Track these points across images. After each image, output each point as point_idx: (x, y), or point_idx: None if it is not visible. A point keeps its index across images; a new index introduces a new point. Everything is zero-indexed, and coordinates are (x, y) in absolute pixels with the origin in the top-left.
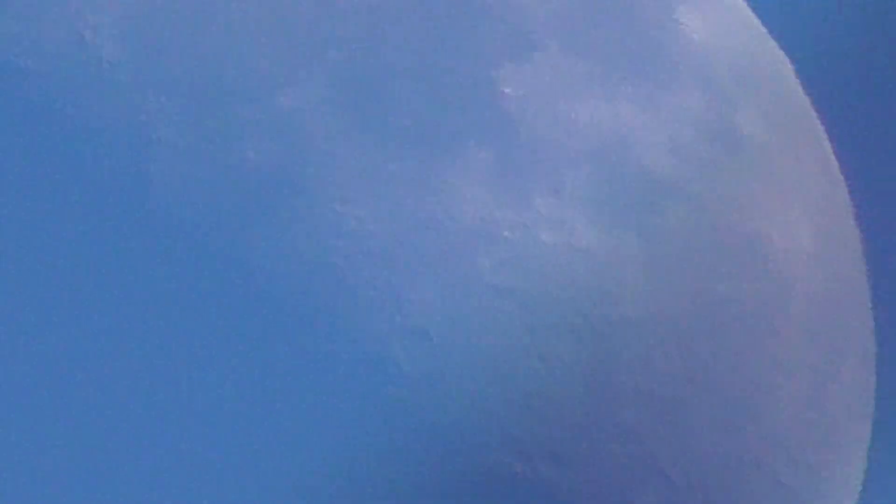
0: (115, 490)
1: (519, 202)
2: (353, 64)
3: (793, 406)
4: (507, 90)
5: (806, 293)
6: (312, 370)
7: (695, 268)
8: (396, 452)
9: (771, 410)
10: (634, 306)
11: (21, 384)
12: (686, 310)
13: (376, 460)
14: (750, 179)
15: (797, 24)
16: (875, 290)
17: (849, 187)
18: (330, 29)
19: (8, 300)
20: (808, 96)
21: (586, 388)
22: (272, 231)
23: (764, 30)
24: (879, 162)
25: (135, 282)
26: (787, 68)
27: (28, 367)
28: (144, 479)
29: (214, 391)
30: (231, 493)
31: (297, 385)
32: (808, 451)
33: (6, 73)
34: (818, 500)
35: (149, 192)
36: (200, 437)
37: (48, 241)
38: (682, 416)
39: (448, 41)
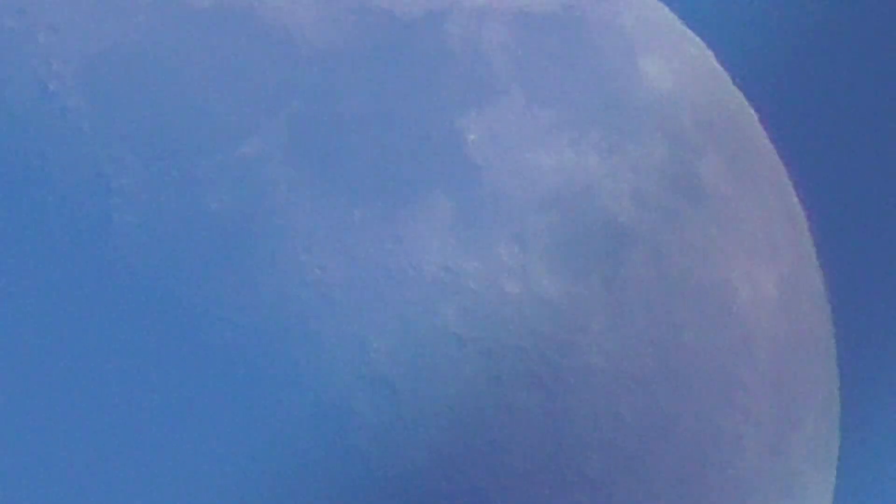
0: None
1: (482, 251)
2: (316, 112)
3: (756, 455)
4: (470, 137)
5: (770, 342)
6: (276, 420)
7: (659, 317)
8: (360, 503)
9: (735, 459)
10: (599, 356)
11: None
12: (650, 359)
13: None
14: (714, 228)
15: (762, 72)
16: (840, 339)
17: (813, 235)
18: (291, 77)
19: None
20: (773, 145)
21: (551, 439)
22: (235, 281)
23: (728, 78)
24: (844, 210)
25: (96, 335)
26: (752, 117)
27: None
28: None
29: (177, 440)
30: None
31: (261, 435)
32: (771, 500)
33: None
34: None
35: (110, 242)
36: (163, 484)
37: (7, 292)
38: (646, 465)
39: (411, 88)
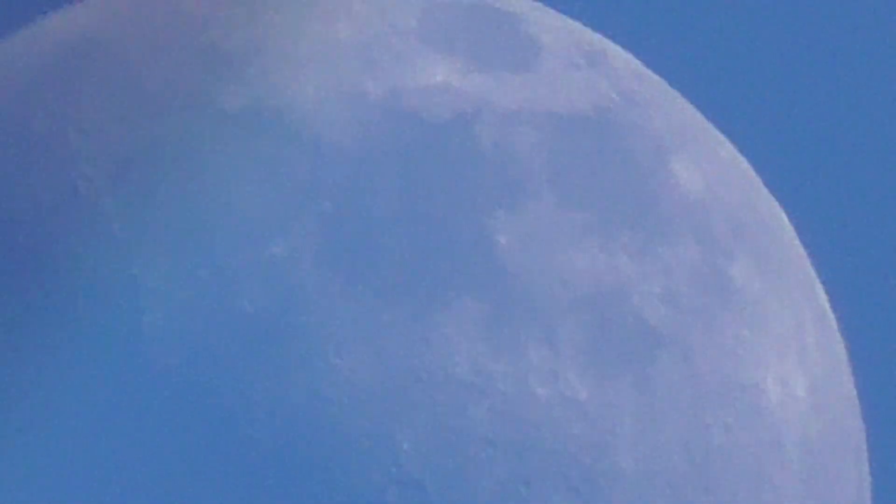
0: None
1: (512, 353)
2: (345, 214)
3: None
4: (500, 239)
5: (801, 442)
6: None
7: (689, 418)
8: None
9: None
10: (629, 457)
11: None
12: (681, 460)
13: None
14: (744, 330)
15: (793, 175)
16: (870, 440)
17: (844, 337)
18: (320, 179)
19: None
20: (804, 247)
21: None
22: (266, 382)
23: (759, 180)
24: (875, 313)
25: (128, 436)
26: (783, 219)
27: None
28: None
29: None
30: None
31: None
32: None
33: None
34: None
35: (141, 343)
36: None
37: (38, 395)
38: None
39: (441, 189)
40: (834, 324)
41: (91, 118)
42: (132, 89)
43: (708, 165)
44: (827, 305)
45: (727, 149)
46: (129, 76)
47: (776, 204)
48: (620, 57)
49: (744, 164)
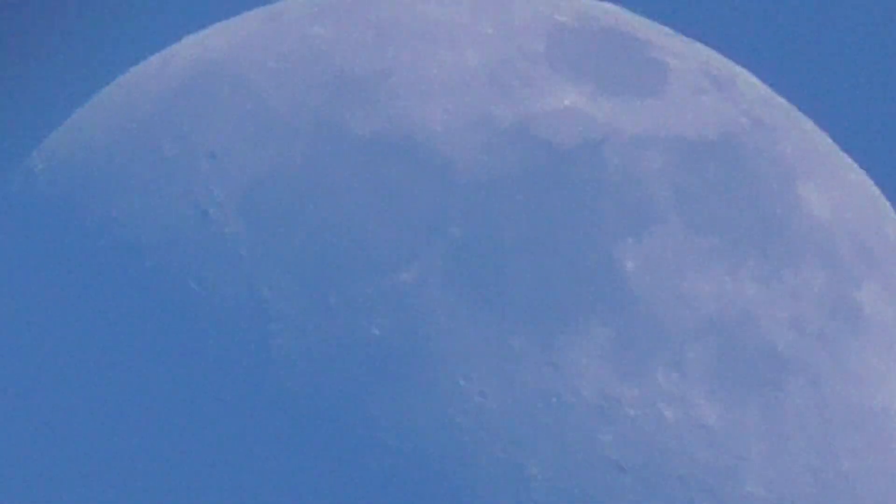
0: None
1: (640, 377)
2: (474, 240)
3: None
4: (628, 265)
5: None
6: None
7: (818, 444)
8: None
9: None
10: (758, 483)
11: None
12: (809, 486)
13: None
14: (873, 355)
15: None
16: None
17: None
18: (449, 205)
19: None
20: None
21: None
22: (396, 406)
23: (889, 205)
24: None
25: (257, 460)
26: None
27: None
28: None
29: None
30: None
31: None
32: None
33: (129, 247)
34: None
35: (269, 367)
36: None
37: (167, 416)
38: None
39: (569, 216)
40: None
41: (220, 143)
42: (261, 114)
43: (836, 191)
44: None
45: (856, 173)
46: (258, 101)
47: None
48: (748, 82)
49: (872, 188)
